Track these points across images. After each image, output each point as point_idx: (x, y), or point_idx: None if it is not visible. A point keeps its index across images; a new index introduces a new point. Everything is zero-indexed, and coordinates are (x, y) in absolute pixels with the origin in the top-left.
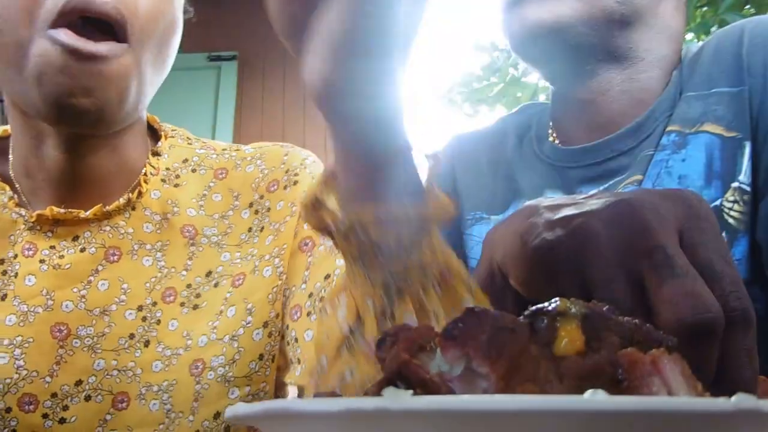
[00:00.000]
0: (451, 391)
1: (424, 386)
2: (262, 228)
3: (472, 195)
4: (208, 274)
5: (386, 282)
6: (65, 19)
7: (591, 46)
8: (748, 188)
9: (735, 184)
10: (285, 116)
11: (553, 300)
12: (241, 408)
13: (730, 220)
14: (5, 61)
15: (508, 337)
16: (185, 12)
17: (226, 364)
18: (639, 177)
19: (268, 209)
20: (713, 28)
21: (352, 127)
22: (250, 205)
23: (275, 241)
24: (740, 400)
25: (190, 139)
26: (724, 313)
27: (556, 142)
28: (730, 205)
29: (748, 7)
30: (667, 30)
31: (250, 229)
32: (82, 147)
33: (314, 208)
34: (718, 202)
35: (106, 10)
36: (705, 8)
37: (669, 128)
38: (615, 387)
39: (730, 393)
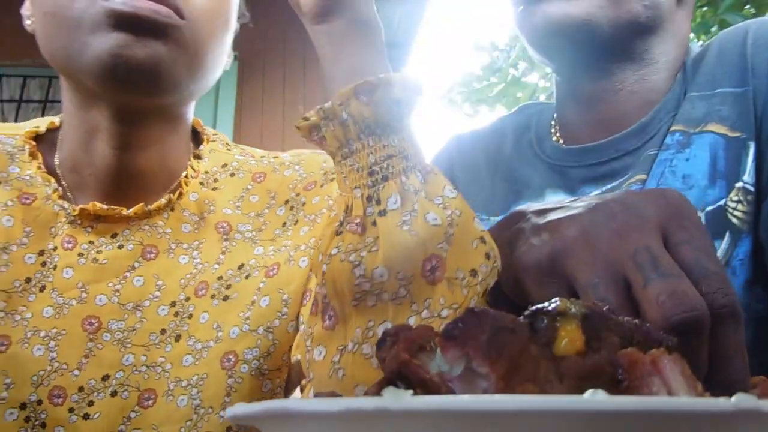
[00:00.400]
0: (451, 391)
1: (424, 386)
2: (297, 221)
3: (472, 196)
4: (240, 266)
5: (372, 168)
6: None
7: (612, 45)
8: (752, 188)
9: (739, 184)
10: (285, 116)
11: (553, 300)
12: (240, 408)
13: (734, 220)
14: (64, 32)
15: (508, 337)
16: (241, 16)
17: (261, 356)
18: (643, 176)
19: (304, 204)
20: (713, 28)
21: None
22: (286, 202)
23: (311, 232)
24: (740, 400)
25: (229, 144)
26: (712, 310)
27: (560, 141)
28: (734, 205)
29: (748, 7)
30: (679, 34)
31: (284, 224)
32: (131, 141)
33: (309, 129)
34: (722, 202)
35: None
36: (705, 8)
37: (673, 128)
38: (615, 387)
39: (723, 389)
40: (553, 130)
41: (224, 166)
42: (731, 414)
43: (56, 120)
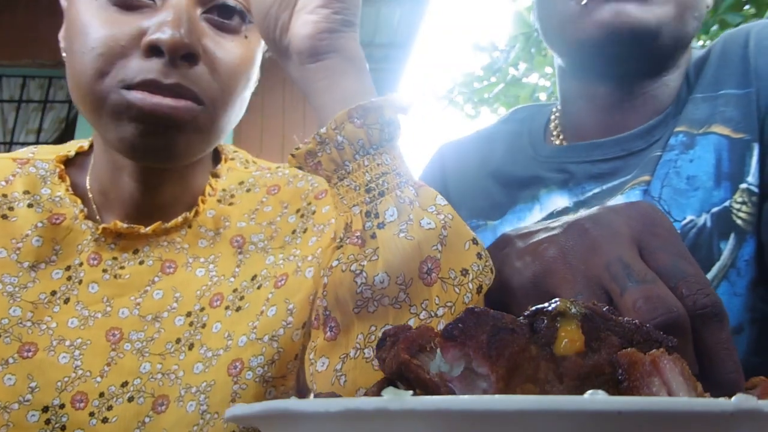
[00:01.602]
0: (451, 391)
1: (424, 386)
2: (306, 230)
3: (467, 203)
4: (253, 278)
5: (368, 185)
6: (143, 86)
7: (666, 56)
8: (756, 189)
9: (743, 186)
10: (285, 116)
11: (553, 300)
12: (240, 408)
13: (739, 222)
14: (86, 106)
15: (508, 337)
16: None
17: (266, 364)
18: (647, 177)
19: (313, 212)
20: (713, 28)
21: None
22: (297, 211)
23: (318, 242)
24: (740, 400)
25: (247, 162)
26: (695, 311)
27: (561, 139)
28: (738, 206)
29: (748, 7)
30: (692, 40)
31: (293, 231)
32: (155, 179)
33: (304, 156)
34: (727, 203)
35: (177, 80)
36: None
37: (677, 129)
38: (615, 387)
39: (716, 389)
40: (553, 130)
41: (241, 183)
42: (731, 414)
43: (85, 144)
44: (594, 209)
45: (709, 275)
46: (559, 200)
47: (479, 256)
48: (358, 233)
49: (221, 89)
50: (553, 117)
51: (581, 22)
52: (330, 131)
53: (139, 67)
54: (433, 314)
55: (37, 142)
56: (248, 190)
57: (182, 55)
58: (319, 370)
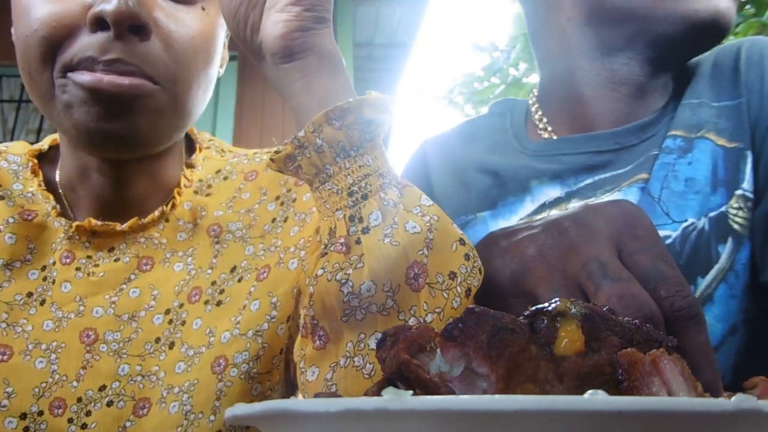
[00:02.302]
0: (451, 391)
1: (424, 386)
2: (286, 218)
3: (452, 199)
4: (233, 269)
5: (351, 188)
6: (83, 65)
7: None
8: (751, 195)
9: (739, 192)
10: (285, 116)
11: (552, 300)
12: (240, 408)
13: (735, 226)
14: (38, 97)
15: (508, 337)
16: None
17: (250, 360)
18: (645, 176)
19: (294, 200)
20: None
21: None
22: (277, 198)
23: (300, 233)
24: (740, 400)
25: (224, 150)
26: (672, 313)
27: (549, 131)
28: (734, 211)
29: (748, 7)
30: None
31: (273, 220)
32: (122, 173)
33: (284, 161)
34: (723, 209)
35: (117, 56)
36: None
37: (672, 132)
38: (615, 387)
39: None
40: (539, 123)
41: (218, 171)
42: (731, 414)
43: (58, 137)
44: (575, 207)
45: (708, 277)
46: (551, 191)
47: (467, 257)
48: (342, 239)
49: (178, 66)
50: (533, 110)
51: (675, 8)
52: (308, 134)
53: (81, 45)
54: (421, 320)
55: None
56: (225, 178)
57: (129, 27)
58: (310, 379)
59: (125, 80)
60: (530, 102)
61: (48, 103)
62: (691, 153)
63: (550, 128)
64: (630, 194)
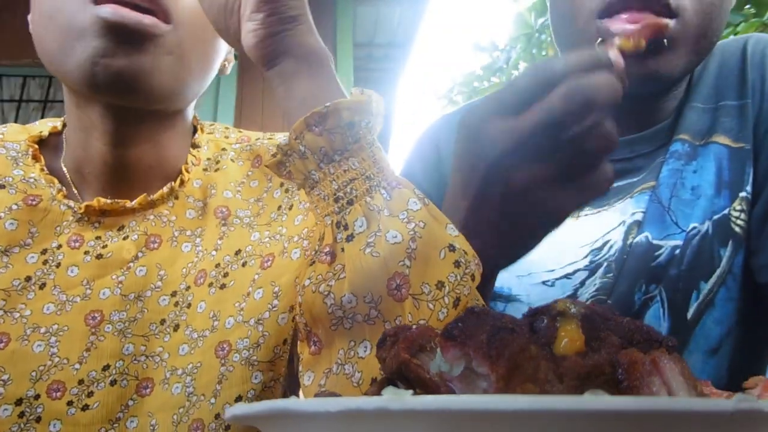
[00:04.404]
0: (451, 391)
1: (424, 386)
2: (291, 206)
3: None
4: (237, 252)
5: (336, 194)
6: None
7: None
8: (751, 197)
9: (742, 194)
10: (285, 116)
11: (552, 300)
12: (240, 408)
13: (737, 229)
14: (54, 34)
15: (508, 337)
16: None
17: (251, 347)
18: (652, 183)
19: (299, 188)
20: None
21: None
22: (281, 185)
23: (304, 222)
24: (740, 400)
25: (228, 136)
26: None
27: None
28: (737, 214)
29: (748, 7)
30: None
31: (279, 207)
32: (125, 139)
33: (277, 166)
34: (726, 211)
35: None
36: None
37: (678, 136)
38: (615, 387)
39: None
40: None
41: (224, 149)
42: (731, 414)
43: (58, 124)
44: None
45: (711, 282)
46: None
47: (457, 264)
48: (328, 248)
49: (192, 13)
50: None
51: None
52: (292, 142)
53: None
54: None
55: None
56: (233, 160)
57: None
58: (306, 384)
59: (147, 18)
60: None
61: (61, 40)
62: (696, 161)
63: None
64: (641, 202)
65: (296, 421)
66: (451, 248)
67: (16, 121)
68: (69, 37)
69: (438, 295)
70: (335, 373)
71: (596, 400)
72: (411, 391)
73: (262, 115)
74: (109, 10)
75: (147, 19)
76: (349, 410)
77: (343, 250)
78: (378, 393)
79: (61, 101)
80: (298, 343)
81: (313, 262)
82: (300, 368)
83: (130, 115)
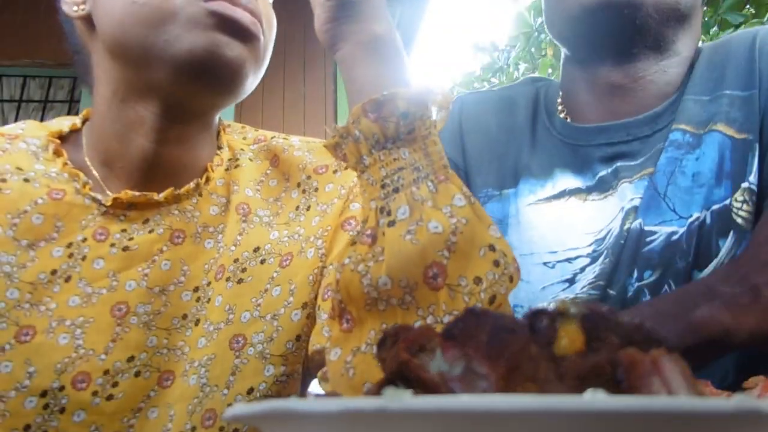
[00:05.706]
0: (451, 391)
1: (424, 386)
2: (309, 207)
3: (484, 162)
4: (256, 249)
5: (383, 180)
6: None
7: (649, 30)
8: (756, 189)
9: (745, 185)
10: (285, 116)
11: (552, 300)
12: (240, 408)
13: (739, 220)
14: (153, 21)
15: (508, 337)
16: None
17: (265, 341)
18: (650, 170)
19: (316, 189)
20: (713, 29)
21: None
22: (298, 185)
23: (321, 223)
24: (740, 400)
25: (246, 137)
26: None
27: (568, 119)
28: (739, 205)
29: (748, 6)
30: (697, 31)
31: (297, 208)
32: (170, 137)
33: (334, 147)
34: (727, 202)
35: (245, 16)
36: (705, 8)
37: (677, 126)
38: (615, 387)
39: None
40: (559, 107)
41: (242, 149)
42: (731, 414)
43: (78, 122)
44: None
45: (705, 272)
46: (572, 181)
47: (496, 263)
48: (370, 230)
49: (269, 25)
50: (559, 95)
51: (566, 4)
52: (349, 125)
53: None
54: (439, 320)
55: None
56: (251, 160)
57: None
58: (332, 359)
59: (254, 20)
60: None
61: (165, 24)
62: (699, 149)
63: (566, 114)
64: (640, 187)
65: (296, 421)
66: (492, 248)
67: (16, 121)
68: (174, 25)
69: (475, 289)
70: (363, 351)
71: (596, 400)
72: (411, 391)
73: (262, 115)
74: (221, 6)
75: (253, 20)
76: (349, 410)
77: (384, 234)
78: (378, 393)
79: (61, 101)
80: (328, 320)
81: (354, 242)
82: (327, 344)
83: (185, 115)
